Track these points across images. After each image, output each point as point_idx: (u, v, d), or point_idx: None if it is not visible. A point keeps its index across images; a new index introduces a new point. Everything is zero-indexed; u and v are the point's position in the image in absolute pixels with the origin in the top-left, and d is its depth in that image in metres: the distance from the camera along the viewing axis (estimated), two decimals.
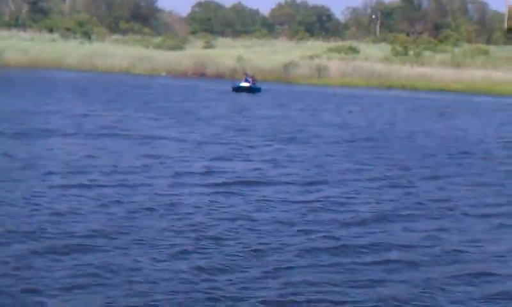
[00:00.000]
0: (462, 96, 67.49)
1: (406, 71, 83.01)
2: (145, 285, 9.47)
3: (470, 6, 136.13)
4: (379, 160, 22.29)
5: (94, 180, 16.11)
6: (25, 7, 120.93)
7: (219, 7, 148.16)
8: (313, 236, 12.25)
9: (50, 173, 16.65)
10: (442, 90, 75.56)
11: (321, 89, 69.78)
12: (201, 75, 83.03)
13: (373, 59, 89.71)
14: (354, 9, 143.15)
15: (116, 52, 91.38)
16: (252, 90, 57.79)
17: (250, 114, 37.83)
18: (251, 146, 23.91)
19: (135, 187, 15.66)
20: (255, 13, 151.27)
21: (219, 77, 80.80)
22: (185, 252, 10.93)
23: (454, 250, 11.90)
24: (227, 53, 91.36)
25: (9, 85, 52.23)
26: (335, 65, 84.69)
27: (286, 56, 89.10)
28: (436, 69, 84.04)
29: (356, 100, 55.64)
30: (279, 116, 37.02)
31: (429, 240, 12.50)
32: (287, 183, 17.23)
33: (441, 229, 13.33)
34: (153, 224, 12.54)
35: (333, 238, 12.22)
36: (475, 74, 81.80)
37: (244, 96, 53.91)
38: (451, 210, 15.16)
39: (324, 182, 17.64)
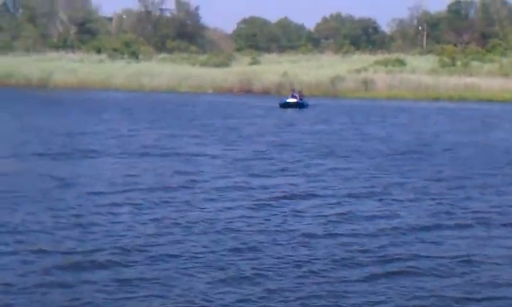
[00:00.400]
0: (510, 106, 66.66)
1: (454, 82, 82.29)
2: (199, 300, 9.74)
3: None
4: (418, 172, 22.25)
5: (138, 198, 16.48)
6: (73, 29, 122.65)
7: (265, 23, 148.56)
8: (346, 248, 12.53)
9: (96, 193, 17.01)
10: (490, 100, 74.80)
11: (368, 102, 69.56)
12: (248, 92, 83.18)
13: (420, 71, 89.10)
14: (400, 21, 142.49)
15: (162, 71, 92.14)
16: (299, 106, 57.46)
17: (294, 129, 37.90)
18: (292, 162, 24.03)
19: (177, 204, 16.00)
20: (300, 27, 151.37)
21: (266, 93, 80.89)
22: (239, 271, 11.13)
23: (484, 262, 11.95)
24: (273, 69, 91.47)
25: (56, 106, 52.99)
26: (382, 78, 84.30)
27: (332, 70, 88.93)
28: (484, 79, 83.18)
29: (401, 112, 55.25)
30: (323, 131, 37.00)
31: (460, 250, 12.64)
32: (325, 196, 17.49)
33: (473, 239, 13.50)
34: (202, 240, 12.88)
35: (368, 251, 12.45)
36: None
37: (290, 112, 53.66)
38: (487, 222, 15.11)
39: (361, 195, 17.76)
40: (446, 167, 23.57)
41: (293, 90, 62.55)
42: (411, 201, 17.21)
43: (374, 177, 20.95)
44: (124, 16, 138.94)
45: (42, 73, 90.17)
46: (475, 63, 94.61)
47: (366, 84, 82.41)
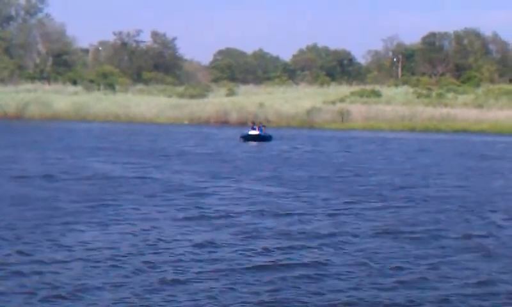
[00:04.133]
0: (485, 137, 67.04)
1: (429, 113, 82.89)
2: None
3: (491, 46, 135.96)
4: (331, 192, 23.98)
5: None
6: (49, 61, 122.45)
7: (241, 54, 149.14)
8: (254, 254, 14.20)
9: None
10: (465, 131, 75.25)
11: (341, 133, 69.63)
12: (224, 123, 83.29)
13: (396, 102, 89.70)
14: (376, 53, 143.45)
15: (139, 103, 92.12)
16: (262, 138, 54.47)
17: (226, 157, 38.93)
18: (202, 182, 26.02)
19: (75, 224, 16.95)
20: (276, 59, 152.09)
21: (242, 124, 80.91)
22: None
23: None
24: (249, 100, 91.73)
25: (13, 138, 53.18)
26: (358, 109, 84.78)
27: (309, 101, 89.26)
28: (459, 110, 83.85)
29: (361, 142, 55.20)
30: (248, 157, 38.56)
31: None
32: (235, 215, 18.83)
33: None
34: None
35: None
36: (498, 114, 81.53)
37: (242, 143, 52.32)
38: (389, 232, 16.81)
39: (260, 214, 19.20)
40: (354, 188, 25.26)
41: (253, 123, 60.04)
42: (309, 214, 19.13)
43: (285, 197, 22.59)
44: (100, 48, 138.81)
45: (18, 104, 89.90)
46: (449, 94, 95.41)
47: (342, 115, 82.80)
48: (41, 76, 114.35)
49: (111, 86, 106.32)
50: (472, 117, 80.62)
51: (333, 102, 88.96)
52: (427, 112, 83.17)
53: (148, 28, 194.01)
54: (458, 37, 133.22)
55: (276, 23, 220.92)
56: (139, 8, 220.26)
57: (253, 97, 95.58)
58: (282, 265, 13.25)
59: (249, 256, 13.99)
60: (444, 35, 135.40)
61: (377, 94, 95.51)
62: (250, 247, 14.81)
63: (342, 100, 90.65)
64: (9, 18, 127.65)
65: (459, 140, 61.01)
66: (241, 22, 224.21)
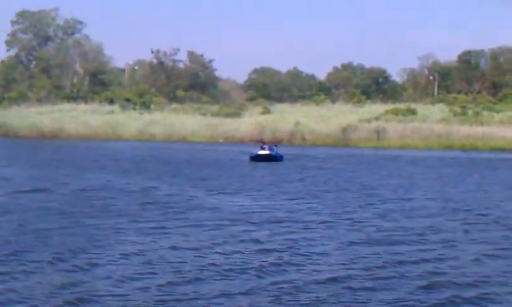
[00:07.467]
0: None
1: (465, 131, 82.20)
2: None
3: None
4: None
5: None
6: (86, 80, 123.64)
7: (276, 73, 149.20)
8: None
9: None
10: (503, 149, 74.55)
11: (373, 151, 69.33)
12: (259, 141, 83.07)
13: (431, 121, 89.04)
14: (411, 70, 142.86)
15: (174, 121, 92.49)
16: (272, 158, 51.76)
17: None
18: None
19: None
20: (311, 77, 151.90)
21: (278, 142, 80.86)
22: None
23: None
24: (284, 118, 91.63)
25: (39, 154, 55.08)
26: (394, 127, 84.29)
27: (344, 119, 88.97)
28: (496, 128, 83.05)
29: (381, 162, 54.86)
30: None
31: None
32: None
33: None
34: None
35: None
36: None
37: (247, 163, 50.46)
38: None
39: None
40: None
41: (262, 142, 57.57)
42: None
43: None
44: (136, 67, 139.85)
45: (54, 124, 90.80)
46: (486, 112, 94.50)
47: (378, 133, 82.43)
48: (77, 95, 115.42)
49: (145, 105, 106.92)
50: (509, 135, 79.83)
51: (369, 120, 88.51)
52: (463, 130, 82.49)
53: (185, 46, 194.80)
54: (494, 55, 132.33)
55: (310, 42, 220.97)
56: (176, 27, 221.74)
57: (287, 116, 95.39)
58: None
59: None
60: (480, 53, 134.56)
61: (412, 112, 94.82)
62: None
63: (377, 118, 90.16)
64: (48, 39, 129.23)
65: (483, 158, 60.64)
66: (276, 42, 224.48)
